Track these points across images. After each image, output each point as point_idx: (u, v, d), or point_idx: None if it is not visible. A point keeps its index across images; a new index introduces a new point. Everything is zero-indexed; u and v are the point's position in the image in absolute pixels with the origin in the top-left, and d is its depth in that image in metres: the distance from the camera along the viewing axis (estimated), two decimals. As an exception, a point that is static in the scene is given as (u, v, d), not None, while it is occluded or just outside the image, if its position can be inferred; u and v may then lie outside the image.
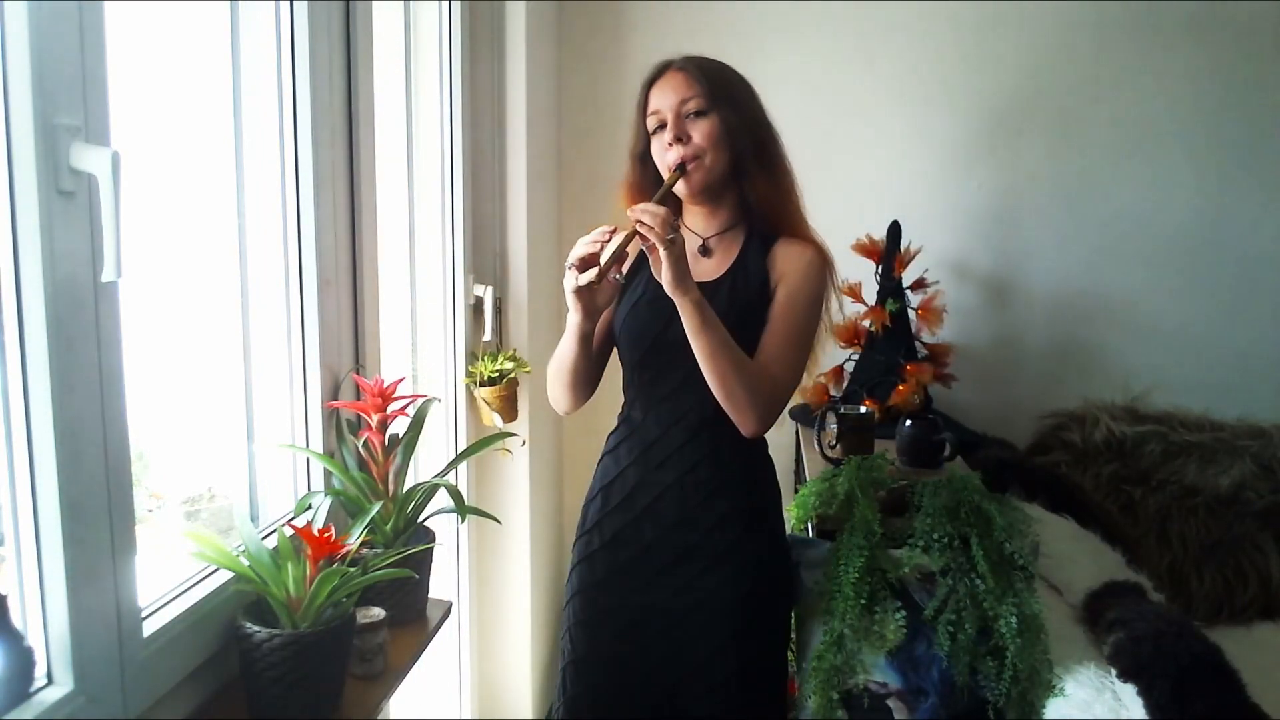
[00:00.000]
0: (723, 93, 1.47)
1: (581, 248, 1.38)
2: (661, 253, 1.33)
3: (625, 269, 1.52)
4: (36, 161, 0.86)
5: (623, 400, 1.59)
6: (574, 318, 1.44)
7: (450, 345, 2.11)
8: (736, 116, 1.47)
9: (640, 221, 1.33)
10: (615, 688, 1.54)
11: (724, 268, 1.52)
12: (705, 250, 1.55)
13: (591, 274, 1.36)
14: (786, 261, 1.50)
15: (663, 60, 1.52)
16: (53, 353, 0.88)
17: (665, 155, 1.48)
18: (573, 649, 1.56)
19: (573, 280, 1.38)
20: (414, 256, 1.99)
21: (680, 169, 1.46)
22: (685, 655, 1.51)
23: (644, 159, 1.54)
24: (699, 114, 1.46)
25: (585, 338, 1.47)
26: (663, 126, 1.48)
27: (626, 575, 1.53)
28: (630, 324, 1.52)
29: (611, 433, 1.60)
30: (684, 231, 1.51)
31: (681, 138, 1.46)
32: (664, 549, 1.51)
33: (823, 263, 1.51)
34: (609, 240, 1.37)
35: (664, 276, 1.36)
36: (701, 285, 1.42)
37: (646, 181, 1.55)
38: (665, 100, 1.47)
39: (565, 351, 1.51)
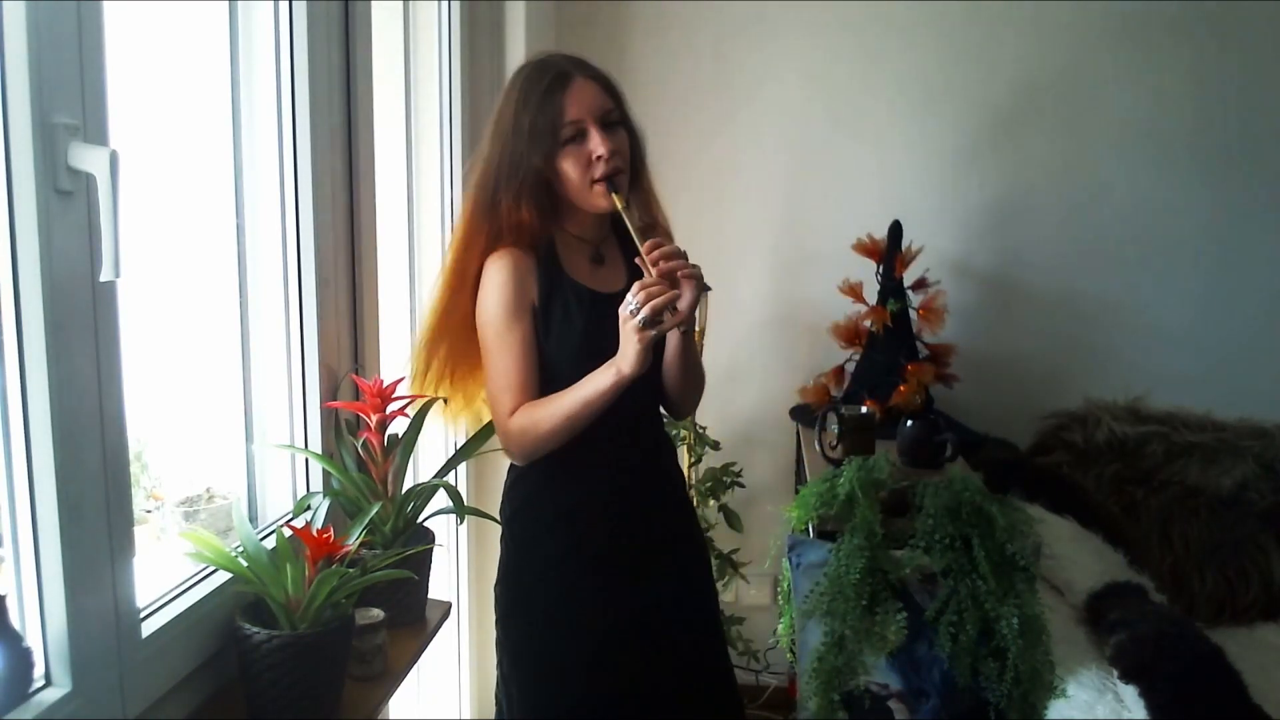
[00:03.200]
0: (625, 103, 1.46)
1: (658, 299, 1.28)
2: (690, 291, 1.33)
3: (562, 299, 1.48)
4: (35, 161, 0.85)
5: None
6: (636, 370, 1.32)
7: (450, 345, 2.10)
8: (634, 127, 1.47)
9: (675, 267, 1.32)
10: (624, 703, 1.50)
11: (624, 275, 1.49)
12: (599, 258, 1.51)
13: (675, 320, 1.31)
14: None
15: (555, 64, 1.42)
16: (51, 353, 0.88)
17: (589, 168, 1.39)
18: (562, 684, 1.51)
19: (649, 333, 1.29)
20: (414, 256, 1.99)
21: (610, 183, 1.39)
22: (688, 644, 1.53)
23: (542, 170, 1.40)
24: (614, 125, 1.42)
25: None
26: (578, 136, 1.39)
27: (610, 589, 1.50)
28: (589, 348, 1.42)
29: (530, 468, 1.49)
30: (576, 241, 1.49)
31: (615, 151, 1.39)
32: (649, 554, 1.52)
33: None
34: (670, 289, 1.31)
35: (684, 309, 1.33)
36: (615, 295, 1.39)
37: (542, 189, 1.42)
38: (585, 109, 1.39)
39: (599, 404, 1.37)
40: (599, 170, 1.39)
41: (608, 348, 1.35)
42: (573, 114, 1.38)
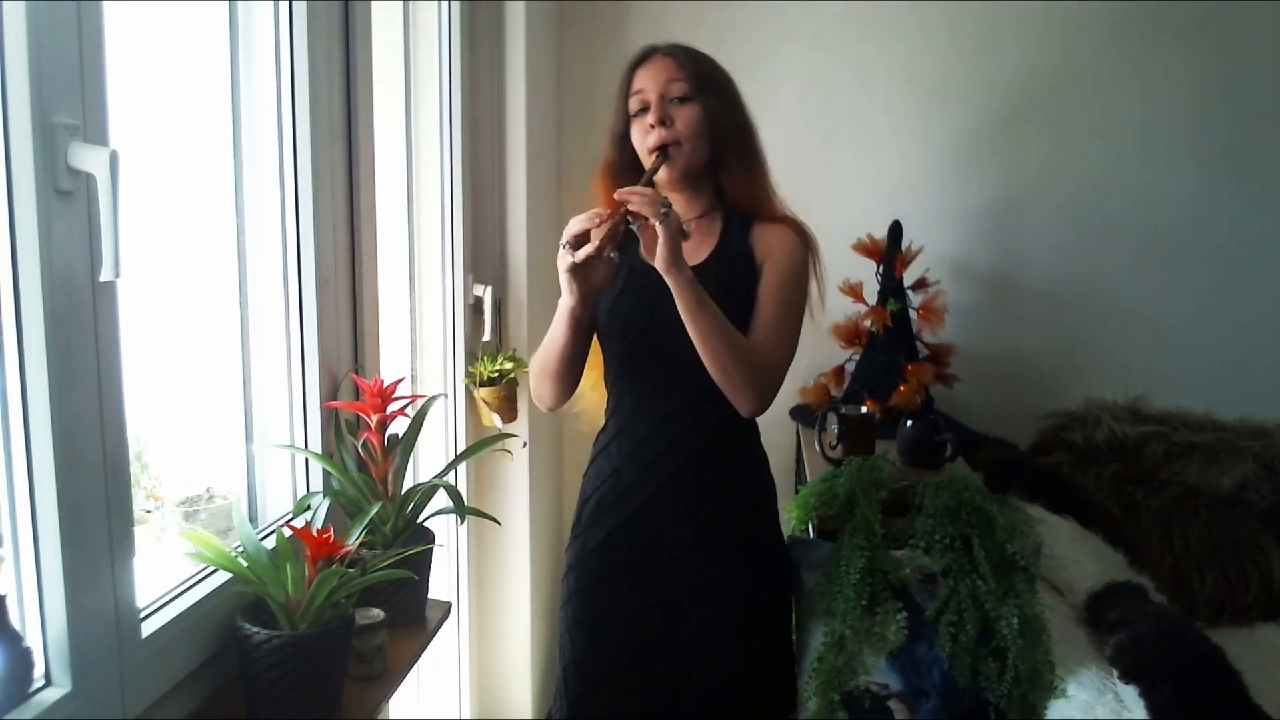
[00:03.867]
0: (708, 81, 1.48)
1: (576, 225, 1.35)
2: (658, 228, 1.32)
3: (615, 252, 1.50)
4: (35, 161, 0.85)
5: (609, 397, 1.58)
6: (567, 301, 1.40)
7: (449, 345, 2.10)
8: (720, 106, 1.48)
9: (630, 201, 1.33)
10: (620, 686, 1.53)
11: (706, 250, 1.51)
12: (683, 234, 1.51)
13: (589, 249, 1.33)
14: (770, 241, 1.50)
15: (649, 45, 1.52)
16: (51, 353, 0.88)
17: (646, 138, 1.47)
18: (573, 649, 1.56)
19: (568, 258, 1.35)
20: (413, 256, 1.99)
21: (662, 153, 1.45)
22: (692, 649, 1.51)
23: (624, 140, 1.53)
24: (683, 100, 1.46)
25: (578, 323, 1.44)
26: (645, 109, 1.47)
27: (626, 573, 1.53)
28: (617, 311, 1.50)
29: (600, 431, 1.59)
30: None
31: (664, 121, 1.45)
32: (665, 543, 1.51)
33: (805, 241, 1.52)
34: (604, 221, 1.35)
35: (657, 255, 1.34)
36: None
37: (624, 163, 1.54)
38: (650, 82, 1.47)
39: (556, 340, 1.47)
40: (651, 139, 1.46)
41: (639, 316, 1.46)
42: (637, 86, 1.49)
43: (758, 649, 1.54)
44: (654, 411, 1.51)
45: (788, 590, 1.63)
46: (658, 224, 1.32)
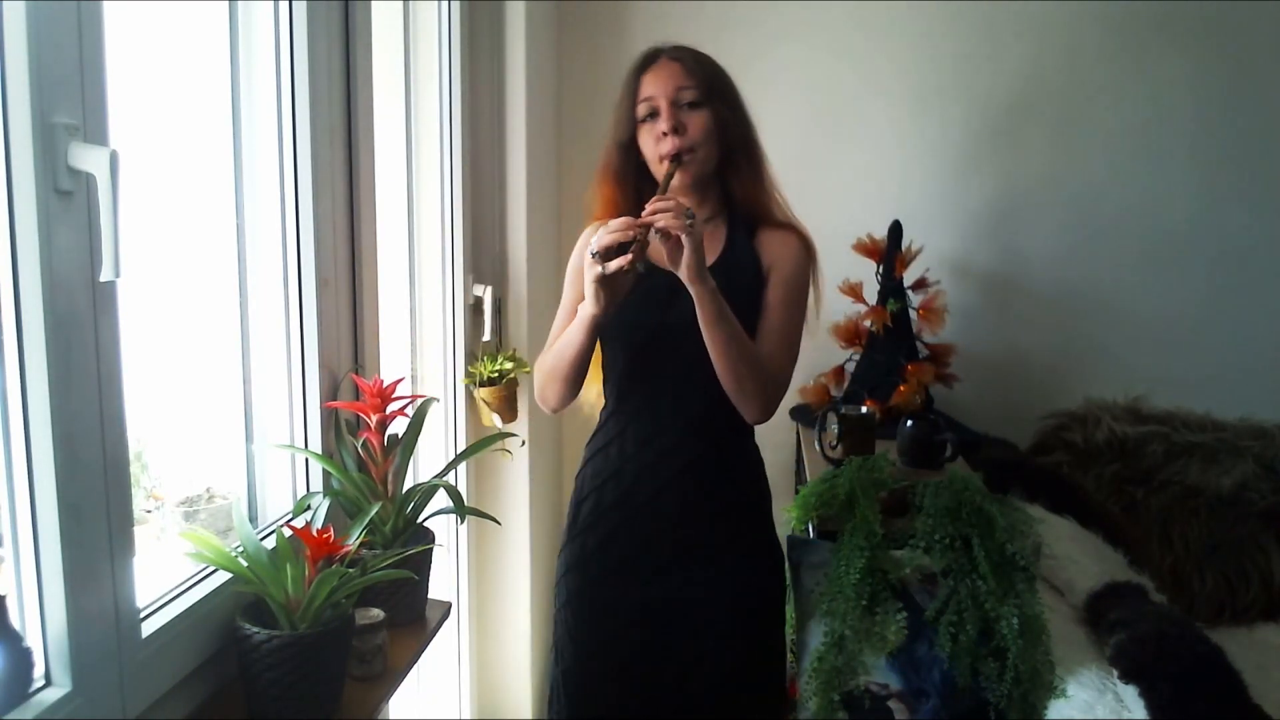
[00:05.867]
0: (716, 86, 1.48)
1: (609, 237, 1.33)
2: (684, 239, 1.32)
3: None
4: (35, 161, 0.85)
5: (607, 399, 1.57)
6: (592, 311, 1.38)
7: (450, 345, 2.10)
8: (728, 111, 1.48)
9: (657, 214, 1.32)
10: (621, 687, 1.53)
11: (713, 255, 1.51)
12: None
13: (622, 261, 1.32)
14: (776, 248, 1.51)
15: (653, 47, 1.51)
16: (51, 353, 0.88)
17: (658, 145, 1.46)
18: (574, 650, 1.56)
19: (597, 269, 1.33)
20: (414, 256, 1.99)
21: (676, 160, 1.45)
22: (693, 648, 1.51)
23: (627, 146, 1.52)
24: (693, 105, 1.46)
25: (598, 329, 1.44)
26: (654, 114, 1.47)
27: (625, 573, 1.53)
28: (626, 315, 1.49)
29: (597, 432, 1.58)
30: None
31: (677, 128, 1.45)
32: (666, 543, 1.51)
33: (809, 250, 1.54)
34: (635, 232, 1.34)
35: (683, 265, 1.35)
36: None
37: (628, 169, 1.53)
38: (659, 88, 1.46)
39: (574, 345, 1.45)
40: (664, 147, 1.45)
41: (648, 318, 1.45)
42: (646, 92, 1.48)
43: (757, 649, 1.55)
44: (657, 413, 1.51)
45: (784, 593, 1.64)
46: (684, 236, 1.32)
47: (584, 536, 1.55)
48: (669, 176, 1.45)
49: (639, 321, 1.49)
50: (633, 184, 1.52)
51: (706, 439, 1.51)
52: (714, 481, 1.52)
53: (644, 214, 1.34)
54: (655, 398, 1.51)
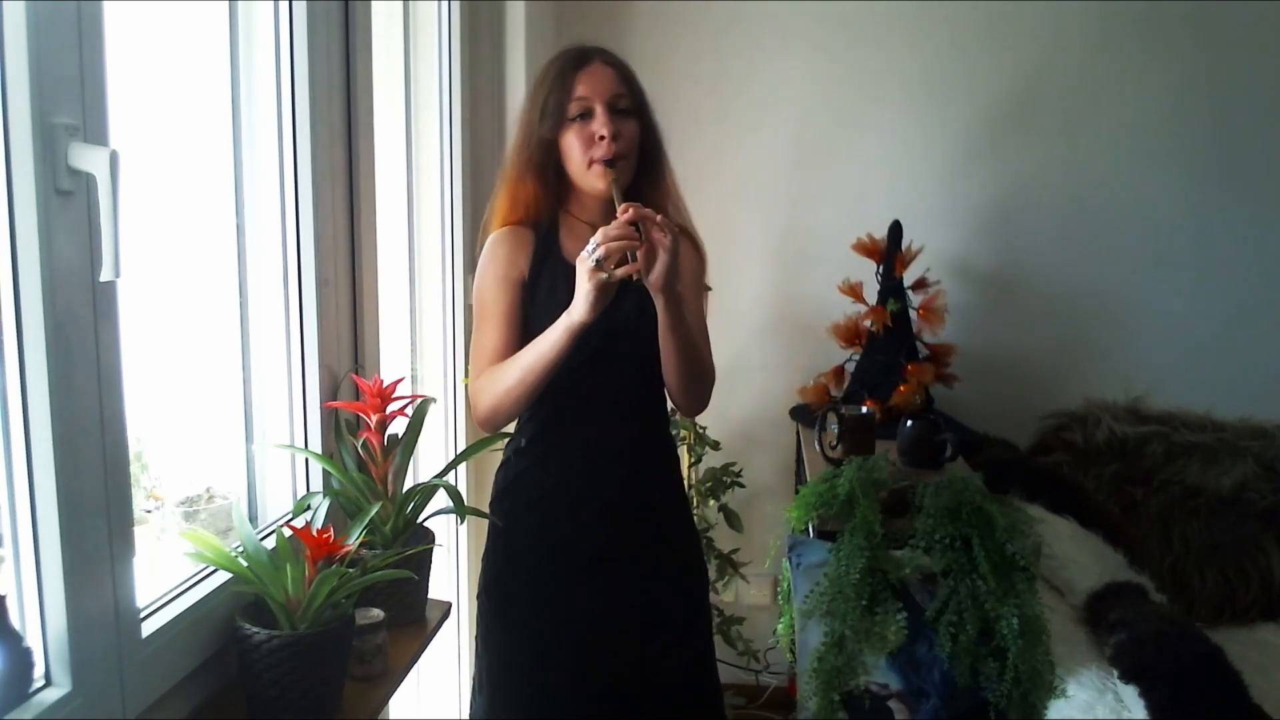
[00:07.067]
0: (642, 97, 1.50)
1: (615, 245, 1.30)
2: (660, 250, 1.32)
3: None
4: (35, 161, 0.85)
5: (540, 406, 1.50)
6: (585, 318, 1.34)
7: (450, 345, 2.10)
8: (650, 121, 1.50)
9: (653, 225, 1.32)
10: (588, 695, 1.52)
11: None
12: None
13: (631, 268, 1.31)
14: (682, 253, 1.46)
15: (581, 46, 1.50)
16: (51, 353, 0.88)
17: (589, 148, 1.44)
18: (531, 668, 1.54)
19: (600, 275, 1.30)
20: (414, 256, 1.99)
21: (610, 165, 1.43)
22: (655, 649, 1.53)
23: (551, 144, 1.47)
24: (625, 113, 1.46)
25: (580, 338, 1.41)
26: (585, 115, 1.44)
27: (581, 583, 1.53)
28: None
29: (528, 442, 1.54)
30: (579, 224, 1.52)
31: (617, 134, 1.43)
32: (625, 544, 1.53)
33: (703, 254, 1.60)
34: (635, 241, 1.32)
35: (655, 274, 1.33)
36: None
37: (548, 164, 1.48)
38: (595, 90, 1.44)
39: (550, 356, 1.39)
40: (599, 151, 1.43)
41: (598, 322, 1.38)
42: (581, 92, 1.44)
43: (708, 641, 1.64)
44: (604, 415, 1.52)
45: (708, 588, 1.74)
46: (665, 247, 1.32)
47: (533, 549, 1.55)
48: (614, 184, 1.43)
49: (593, 325, 1.41)
50: (550, 182, 1.49)
51: (653, 436, 1.58)
52: (663, 478, 1.59)
53: (622, 220, 1.32)
54: (602, 402, 1.52)
